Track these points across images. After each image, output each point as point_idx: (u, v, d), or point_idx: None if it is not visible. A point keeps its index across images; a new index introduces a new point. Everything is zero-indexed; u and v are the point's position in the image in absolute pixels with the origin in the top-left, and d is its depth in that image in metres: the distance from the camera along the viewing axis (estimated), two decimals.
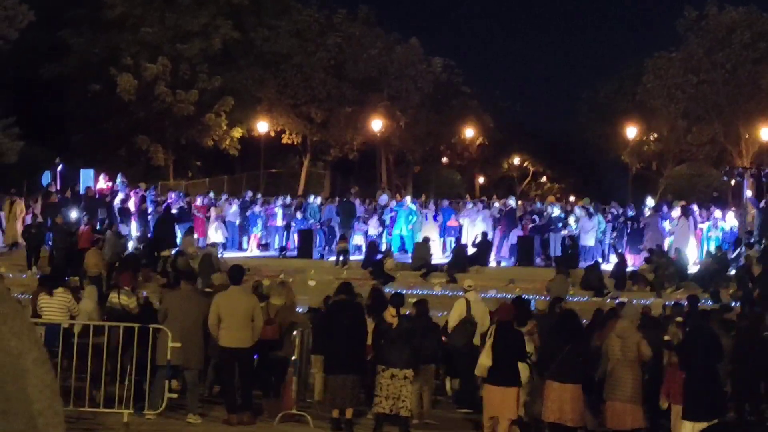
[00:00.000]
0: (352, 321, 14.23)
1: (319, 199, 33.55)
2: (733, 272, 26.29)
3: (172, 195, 34.60)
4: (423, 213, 32.86)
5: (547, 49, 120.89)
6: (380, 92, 50.97)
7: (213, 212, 32.53)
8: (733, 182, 39.52)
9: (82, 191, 32.05)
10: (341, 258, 29.08)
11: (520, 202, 35.95)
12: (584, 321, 16.49)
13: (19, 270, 26.51)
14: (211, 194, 34.98)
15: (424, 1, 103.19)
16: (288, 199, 34.80)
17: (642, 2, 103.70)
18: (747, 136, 45.50)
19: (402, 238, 32.18)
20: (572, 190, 62.18)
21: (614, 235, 31.04)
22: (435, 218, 32.75)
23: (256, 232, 33.33)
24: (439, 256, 30.41)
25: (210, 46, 46.89)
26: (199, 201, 33.44)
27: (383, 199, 34.29)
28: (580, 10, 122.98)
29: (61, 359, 13.76)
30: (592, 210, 31.23)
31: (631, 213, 32.10)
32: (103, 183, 34.71)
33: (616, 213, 32.23)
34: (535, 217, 31.77)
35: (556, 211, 31.66)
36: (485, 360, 13.73)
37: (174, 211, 31.23)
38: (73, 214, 29.65)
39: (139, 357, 13.13)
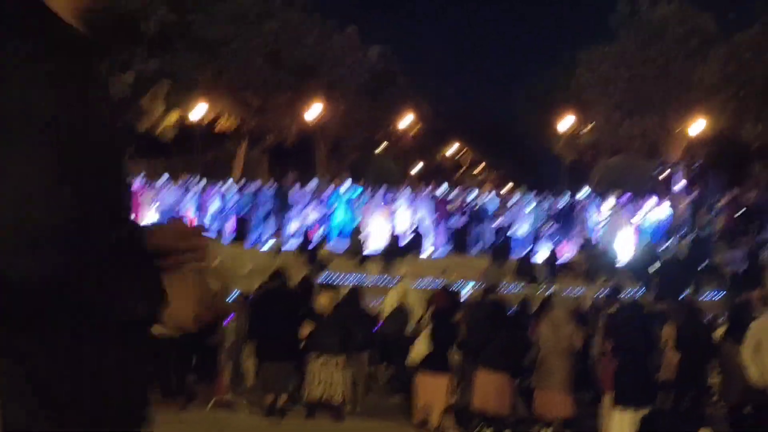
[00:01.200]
0: (285, 307, 14.25)
1: (255, 185, 33.32)
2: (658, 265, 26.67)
3: None
4: (369, 200, 32.67)
5: (485, 39, 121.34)
6: (317, 79, 50.82)
7: (148, 196, 32.22)
8: (664, 174, 40.11)
9: None
10: (275, 248, 29.01)
11: (455, 191, 35.97)
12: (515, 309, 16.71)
13: None
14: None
15: None
16: (224, 185, 34.60)
17: None
18: (678, 130, 46.15)
19: (340, 225, 32.14)
20: (509, 179, 62.65)
21: (546, 225, 31.30)
22: (384, 205, 32.47)
23: (191, 216, 33.09)
24: (376, 244, 30.34)
25: (146, 28, 46.27)
26: (136, 184, 33.08)
27: (311, 186, 34.20)
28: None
29: None
30: (526, 199, 31.52)
31: (562, 204, 32.37)
32: None
33: (547, 204, 32.50)
34: (469, 206, 31.89)
35: (490, 200, 31.84)
36: (422, 348, 13.84)
37: None
38: None
39: None
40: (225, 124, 51.32)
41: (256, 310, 14.95)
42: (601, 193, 33.92)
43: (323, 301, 14.54)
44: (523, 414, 14.15)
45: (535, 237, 31.05)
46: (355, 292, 16.86)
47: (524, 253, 28.38)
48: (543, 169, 64.19)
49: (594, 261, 26.59)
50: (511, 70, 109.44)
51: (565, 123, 50.95)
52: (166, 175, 35.31)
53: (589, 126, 53.15)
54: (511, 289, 22.96)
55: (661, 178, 41.21)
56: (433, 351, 13.53)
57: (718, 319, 17.40)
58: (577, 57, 49.24)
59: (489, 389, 13.19)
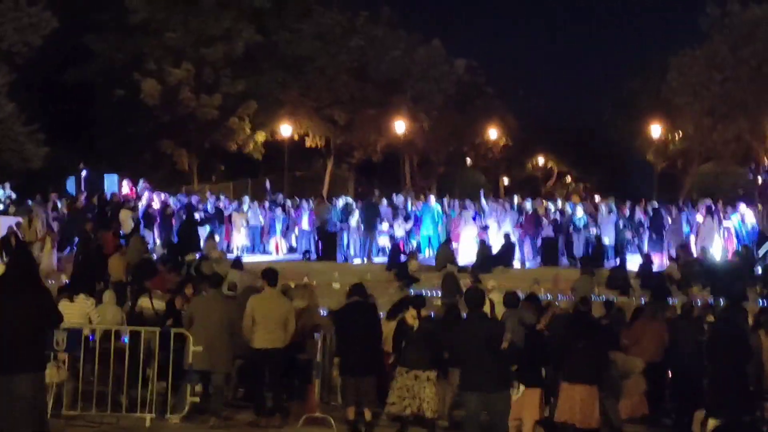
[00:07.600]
0: (366, 322, 14.24)
1: (342, 202, 33.36)
2: (759, 271, 26.08)
3: (206, 198, 34.61)
4: (458, 213, 32.56)
5: (571, 47, 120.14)
6: (403, 94, 50.92)
7: (236, 216, 32.56)
8: (759, 180, 39.24)
9: (107, 197, 32.13)
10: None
11: (544, 202, 35.52)
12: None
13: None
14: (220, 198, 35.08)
15: (446, 2, 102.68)
16: (312, 203, 34.77)
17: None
18: None
19: (429, 239, 32.12)
20: (597, 189, 61.87)
21: (637, 234, 30.84)
22: (474, 219, 32.31)
23: (278, 235, 33.38)
24: (465, 257, 30.18)
25: (233, 50, 46.86)
26: (225, 205, 33.54)
27: (399, 200, 34.12)
28: (601, 6, 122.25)
29: (83, 364, 13.81)
30: (615, 209, 31.18)
31: (653, 212, 31.73)
32: (127, 188, 34.82)
33: (637, 213, 32.05)
34: (557, 216, 31.55)
35: (579, 212, 31.40)
36: None
37: (197, 215, 31.15)
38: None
39: (162, 361, 13.14)
40: (312, 141, 51.70)
41: (340, 326, 14.89)
42: (694, 201, 33.29)
43: (411, 316, 14.45)
44: (619, 424, 13.90)
45: (625, 247, 30.63)
46: (454, 308, 16.72)
47: (616, 263, 28.00)
48: (633, 178, 63.32)
49: (688, 270, 26.05)
50: (598, 79, 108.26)
51: (656, 130, 50.15)
52: (246, 198, 35.49)
53: (681, 132, 52.18)
54: (603, 299, 22.59)
55: (755, 184, 40.24)
56: (522, 365, 13.36)
57: None
58: (667, 61, 48.11)
59: (574, 401, 12.95)
